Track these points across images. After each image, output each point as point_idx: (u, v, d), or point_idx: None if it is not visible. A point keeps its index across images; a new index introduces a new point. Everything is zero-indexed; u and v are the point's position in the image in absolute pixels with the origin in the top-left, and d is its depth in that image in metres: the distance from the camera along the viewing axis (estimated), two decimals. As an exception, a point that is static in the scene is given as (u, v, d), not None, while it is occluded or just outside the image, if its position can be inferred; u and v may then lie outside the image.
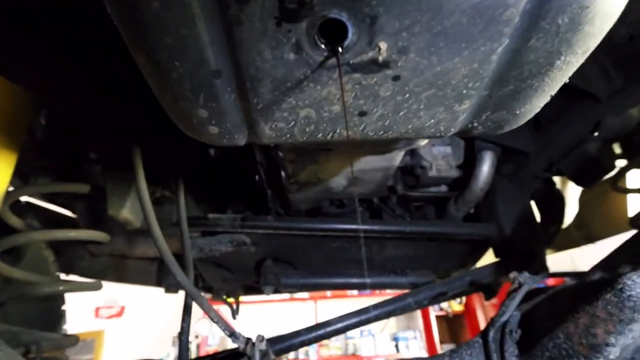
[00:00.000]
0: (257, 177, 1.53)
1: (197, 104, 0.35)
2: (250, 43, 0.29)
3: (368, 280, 1.65)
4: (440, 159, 1.50)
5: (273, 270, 1.70)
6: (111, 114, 0.93)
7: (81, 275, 1.66)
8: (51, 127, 1.12)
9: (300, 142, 0.42)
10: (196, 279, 1.99)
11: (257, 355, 0.78)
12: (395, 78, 0.33)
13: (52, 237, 1.02)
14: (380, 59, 0.31)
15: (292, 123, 0.38)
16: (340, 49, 0.29)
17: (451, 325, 6.29)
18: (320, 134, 0.40)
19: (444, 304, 6.04)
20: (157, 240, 0.85)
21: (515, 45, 0.32)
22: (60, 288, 1.05)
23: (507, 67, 0.34)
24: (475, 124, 0.42)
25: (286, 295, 6.33)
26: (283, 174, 1.28)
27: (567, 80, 0.65)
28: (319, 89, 0.34)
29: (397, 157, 1.21)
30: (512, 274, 0.96)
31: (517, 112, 0.40)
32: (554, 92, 0.38)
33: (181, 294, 1.99)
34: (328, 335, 1.22)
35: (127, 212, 1.03)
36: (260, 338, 0.83)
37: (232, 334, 0.83)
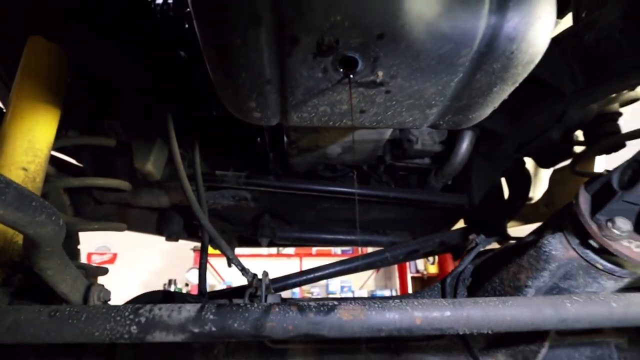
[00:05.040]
0: (258, 139, 1.68)
1: (250, 98, 0.50)
2: (294, 66, 0.44)
3: (353, 237, 1.87)
4: (426, 135, 1.65)
5: (270, 224, 1.89)
6: (141, 77, 1.05)
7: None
8: (77, 84, 1.23)
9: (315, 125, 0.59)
10: (196, 229, 2.17)
11: (264, 287, 0.98)
12: (387, 92, 0.49)
13: (93, 184, 1.17)
14: (378, 80, 0.47)
15: (313, 114, 0.54)
16: (352, 75, 0.45)
17: (425, 286, 6.78)
18: (331, 122, 0.57)
19: (420, 267, 6.48)
20: (186, 191, 1.01)
21: (466, 77, 0.48)
22: (95, 226, 1.22)
23: (461, 90, 0.50)
24: (441, 122, 0.59)
25: (273, 251, 6.67)
26: (286, 139, 1.43)
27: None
28: (334, 95, 0.50)
29: (387, 132, 1.37)
30: (471, 236, 1.17)
31: (470, 116, 0.57)
32: (495, 105, 0.55)
33: (174, 244, 2.18)
34: (317, 279, 1.44)
35: (151, 166, 1.18)
36: (265, 273, 1.03)
37: (243, 269, 1.03)
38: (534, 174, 2.30)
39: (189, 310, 0.57)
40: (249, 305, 0.58)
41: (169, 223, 2.08)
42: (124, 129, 1.21)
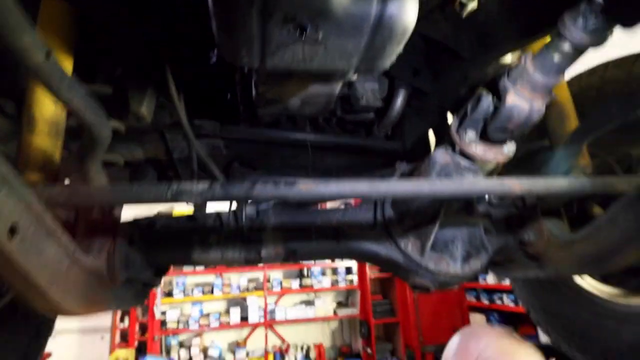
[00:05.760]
0: (229, 95, 1.96)
1: (243, 48, 0.83)
2: (270, 29, 0.77)
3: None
4: (369, 92, 2.01)
5: (240, 170, 2.22)
6: (141, 30, 1.31)
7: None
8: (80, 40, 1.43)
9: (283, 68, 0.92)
10: (170, 182, 2.41)
11: (244, 208, 1.33)
12: (325, 47, 0.84)
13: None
14: (319, 39, 0.81)
15: (282, 59, 0.88)
16: (303, 36, 0.79)
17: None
18: (294, 65, 0.91)
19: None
20: (185, 126, 1.31)
21: (369, 39, 0.83)
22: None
23: (368, 47, 0.86)
24: (361, 68, 0.95)
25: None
26: (254, 92, 1.74)
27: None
28: (294, 47, 0.84)
29: (336, 87, 1.72)
30: (397, 163, 1.58)
31: (377, 64, 0.93)
32: (392, 58, 0.91)
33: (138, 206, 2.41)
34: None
35: (144, 109, 1.45)
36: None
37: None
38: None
39: (204, 184, 0.91)
40: (241, 181, 0.93)
41: (143, 177, 2.31)
42: (119, 77, 1.45)
